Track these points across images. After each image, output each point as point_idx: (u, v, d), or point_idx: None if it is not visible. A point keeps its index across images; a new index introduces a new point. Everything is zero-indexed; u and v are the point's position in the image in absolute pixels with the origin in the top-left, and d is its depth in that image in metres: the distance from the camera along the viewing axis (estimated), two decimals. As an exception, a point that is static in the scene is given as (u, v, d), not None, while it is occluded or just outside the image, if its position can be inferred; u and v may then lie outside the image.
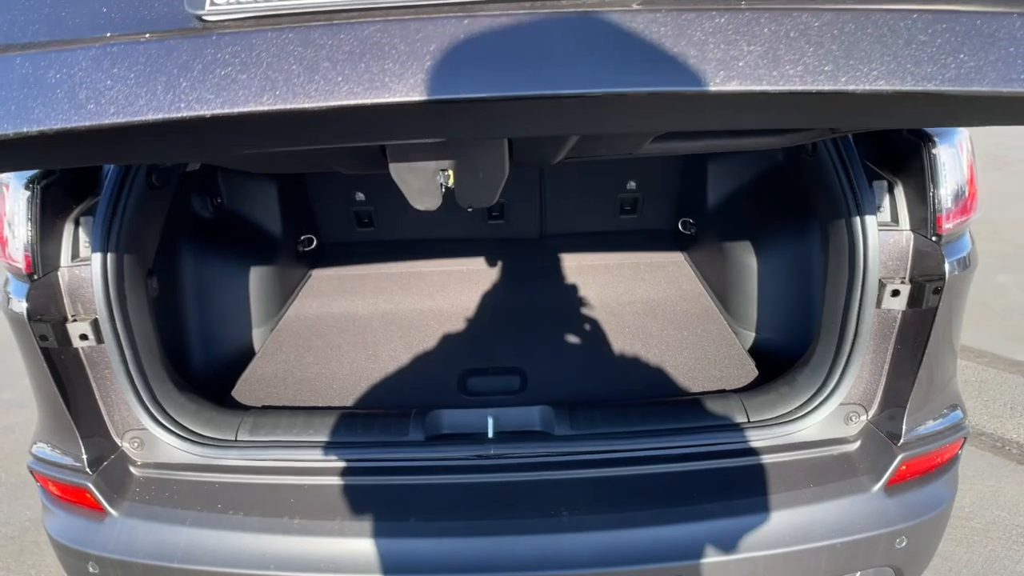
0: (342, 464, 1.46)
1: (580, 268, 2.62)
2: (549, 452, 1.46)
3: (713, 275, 2.40)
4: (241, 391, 1.91)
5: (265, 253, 2.31)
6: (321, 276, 2.66)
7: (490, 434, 1.50)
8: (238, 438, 1.52)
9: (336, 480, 1.44)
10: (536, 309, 2.32)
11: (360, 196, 2.81)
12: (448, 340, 2.15)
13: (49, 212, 1.41)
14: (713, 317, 2.22)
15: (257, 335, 2.16)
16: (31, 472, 1.57)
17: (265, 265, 2.25)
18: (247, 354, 2.11)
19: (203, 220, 2.13)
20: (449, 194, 1.25)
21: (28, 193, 1.38)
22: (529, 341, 2.12)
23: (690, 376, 1.88)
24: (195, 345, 1.94)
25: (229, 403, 1.84)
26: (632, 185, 2.86)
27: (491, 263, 2.73)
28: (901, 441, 1.44)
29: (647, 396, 1.80)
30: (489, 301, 2.41)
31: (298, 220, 2.66)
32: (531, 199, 2.86)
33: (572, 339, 2.12)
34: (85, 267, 1.44)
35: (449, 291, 2.49)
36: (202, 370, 1.91)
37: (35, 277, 1.40)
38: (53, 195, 1.42)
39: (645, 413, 1.52)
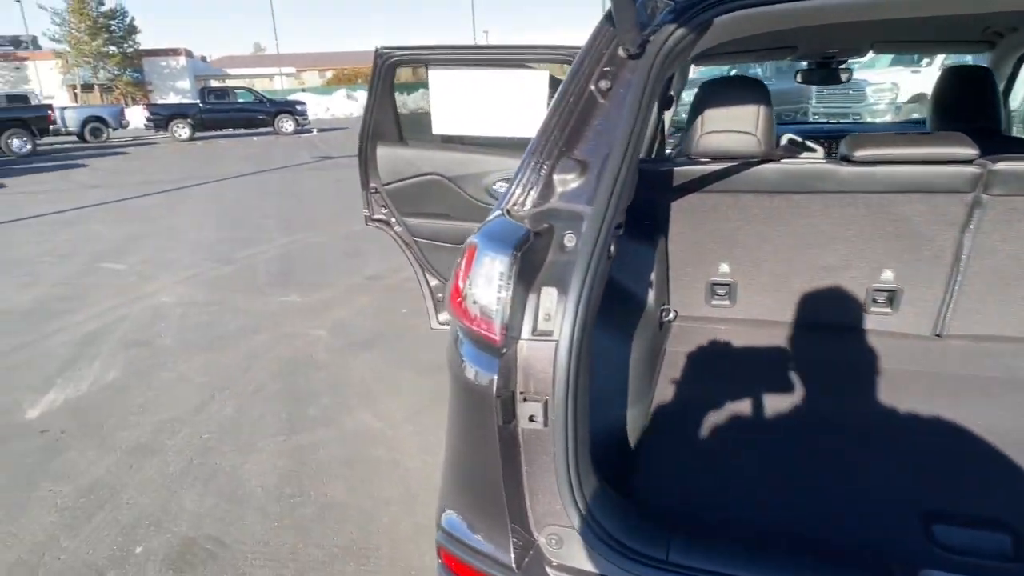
0: None
1: (1015, 383, 2.07)
2: None
3: None
4: (648, 489, 1.67)
5: (640, 323, 2.09)
6: (675, 353, 2.40)
7: None
8: (669, 559, 1.28)
9: None
10: (966, 435, 1.84)
11: (724, 268, 2.52)
12: (868, 456, 1.76)
13: (522, 281, 1.28)
14: None
15: (631, 415, 1.94)
16: (438, 547, 1.46)
17: (639, 336, 2.04)
18: (622, 438, 1.89)
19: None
20: None
21: (509, 259, 1.25)
22: (999, 477, 1.66)
23: None
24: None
25: (637, 499, 1.61)
26: None
27: (870, 362, 2.27)
28: None
29: None
30: (889, 409, 1.98)
31: (662, 289, 2.41)
32: (933, 284, 2.31)
33: None
34: (538, 342, 1.29)
35: (833, 389, 2.11)
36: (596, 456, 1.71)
37: (503, 351, 1.27)
38: (528, 263, 1.29)
39: None
